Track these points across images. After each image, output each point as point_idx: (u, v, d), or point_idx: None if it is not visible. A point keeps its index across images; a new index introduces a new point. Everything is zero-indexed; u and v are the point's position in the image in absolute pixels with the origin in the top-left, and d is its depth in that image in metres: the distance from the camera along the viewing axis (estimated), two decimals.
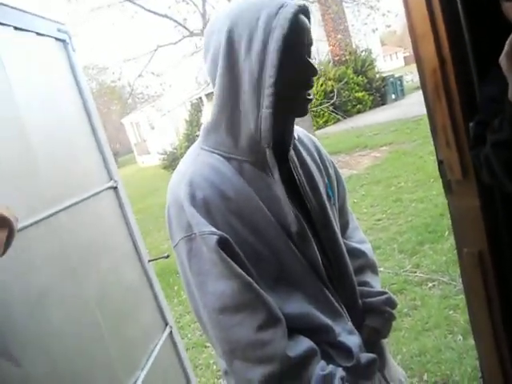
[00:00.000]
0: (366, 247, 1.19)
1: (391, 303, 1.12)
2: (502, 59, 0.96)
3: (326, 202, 1.05)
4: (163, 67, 11.06)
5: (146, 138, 25.01)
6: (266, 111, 0.85)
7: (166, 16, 9.47)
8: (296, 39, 0.87)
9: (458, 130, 1.18)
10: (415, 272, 3.67)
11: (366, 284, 1.13)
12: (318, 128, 13.53)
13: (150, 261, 2.08)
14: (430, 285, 3.39)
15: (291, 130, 1.00)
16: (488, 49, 1.07)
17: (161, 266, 4.62)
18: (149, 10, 9.40)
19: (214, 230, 0.86)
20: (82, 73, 1.94)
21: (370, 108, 16.00)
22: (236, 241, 0.88)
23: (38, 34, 1.67)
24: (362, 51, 16.89)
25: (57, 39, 1.82)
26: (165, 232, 7.13)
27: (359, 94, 15.64)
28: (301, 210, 0.98)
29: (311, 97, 0.94)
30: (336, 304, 1.00)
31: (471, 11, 1.12)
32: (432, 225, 4.48)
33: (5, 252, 0.91)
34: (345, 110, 14.54)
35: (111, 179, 1.96)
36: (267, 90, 0.84)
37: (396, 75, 17.16)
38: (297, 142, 1.06)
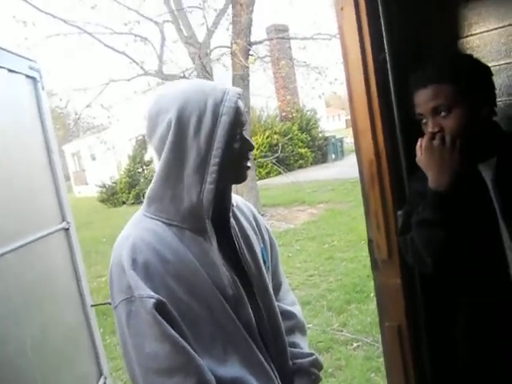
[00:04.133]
0: (297, 309, 1.27)
1: (318, 365, 1.20)
2: (419, 160, 1.16)
3: (263, 266, 1.13)
4: (113, 101, 10.99)
5: (86, 168, 24.22)
6: (209, 186, 0.94)
7: (123, 53, 9.54)
8: (237, 122, 0.98)
9: (387, 216, 1.35)
10: (342, 331, 3.81)
11: (295, 345, 1.20)
12: (260, 178, 13.86)
13: (92, 306, 2.03)
14: (355, 345, 3.53)
15: (230, 197, 1.09)
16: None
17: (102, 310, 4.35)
18: (106, 45, 9.43)
19: (151, 293, 0.90)
20: (48, 111, 1.92)
21: (311, 164, 16.75)
22: (173, 302, 0.93)
23: (9, 70, 1.67)
24: (307, 110, 17.83)
25: (27, 76, 1.83)
26: (95, 269, 6.80)
27: (302, 150, 16.37)
28: (239, 274, 1.05)
29: (249, 165, 1.05)
30: (267, 367, 1.05)
31: (405, 116, 1.32)
32: (360, 285, 4.70)
33: None
34: (287, 163, 15.10)
35: (64, 220, 1.92)
36: (212, 168, 0.93)
37: (337, 136, 18.20)
38: (235, 208, 1.15)
